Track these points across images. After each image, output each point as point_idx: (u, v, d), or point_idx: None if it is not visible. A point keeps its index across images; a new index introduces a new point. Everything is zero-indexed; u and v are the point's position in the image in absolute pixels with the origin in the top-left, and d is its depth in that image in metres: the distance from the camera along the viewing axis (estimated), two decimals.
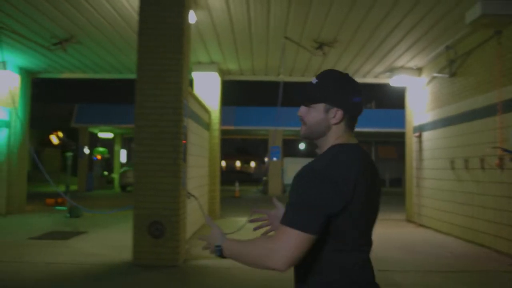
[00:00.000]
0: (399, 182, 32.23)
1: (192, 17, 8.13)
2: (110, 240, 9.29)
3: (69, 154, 13.01)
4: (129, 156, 31.90)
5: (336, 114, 1.83)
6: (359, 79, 13.67)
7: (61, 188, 19.56)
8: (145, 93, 7.06)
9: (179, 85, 7.10)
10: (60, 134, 14.17)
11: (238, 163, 58.11)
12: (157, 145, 7.02)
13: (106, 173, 24.89)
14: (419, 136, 12.12)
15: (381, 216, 9.89)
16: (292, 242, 1.65)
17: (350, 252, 1.78)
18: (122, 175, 22.93)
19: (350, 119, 1.86)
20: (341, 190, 1.69)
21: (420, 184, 12.12)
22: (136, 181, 7.04)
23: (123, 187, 23.32)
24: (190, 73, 12.56)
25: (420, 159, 12.13)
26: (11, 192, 12.63)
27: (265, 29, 9.42)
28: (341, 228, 1.73)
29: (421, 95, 12.22)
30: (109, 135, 24.55)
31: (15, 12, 8.72)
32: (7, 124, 12.64)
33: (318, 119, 1.84)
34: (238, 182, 22.53)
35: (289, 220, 1.68)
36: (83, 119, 21.72)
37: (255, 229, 2.29)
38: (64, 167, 28.46)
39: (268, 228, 2.23)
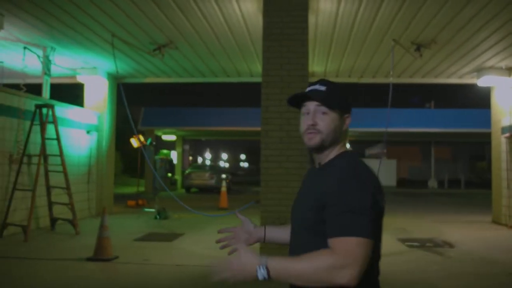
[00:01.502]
0: (457, 183, 31.76)
1: None
2: (212, 242, 9.39)
3: (157, 157, 13.29)
4: (183, 157, 32.31)
5: (347, 120, 1.87)
6: (442, 80, 13.54)
7: (132, 190, 19.90)
8: (271, 97, 7.16)
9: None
10: (142, 137, 14.48)
11: None
12: (284, 149, 7.11)
13: (170, 174, 25.32)
14: (510, 137, 11.90)
15: (463, 218, 9.82)
16: (360, 252, 1.57)
17: (377, 257, 1.77)
18: (187, 176, 23.26)
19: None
20: (382, 193, 1.72)
21: None
22: (263, 184, 7.15)
23: (187, 189, 23.65)
24: None
25: (511, 160, 11.91)
26: (101, 194, 12.98)
27: (367, 30, 9.40)
28: (377, 231, 1.70)
29: (511, 95, 12.00)
30: (172, 137, 24.97)
31: (124, 19, 8.92)
32: (97, 128, 13.01)
33: (334, 125, 1.83)
34: None
35: (349, 229, 1.59)
36: (149, 122, 22.17)
37: (221, 248, 2.23)
38: (125, 169, 29.07)
39: (233, 246, 2.14)
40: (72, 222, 9.94)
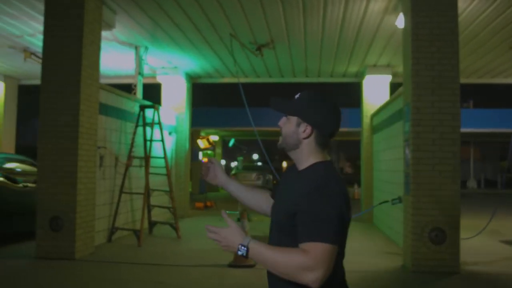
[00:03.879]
0: (489, 183, 31.59)
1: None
2: None
3: (240, 158, 13.14)
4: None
5: (306, 129, 1.95)
6: None
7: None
8: (422, 99, 7.02)
9: (455, 91, 7.02)
10: (210, 139, 14.30)
11: None
12: (436, 151, 6.96)
13: None
14: None
15: None
16: (328, 258, 1.72)
17: (341, 259, 1.93)
18: (233, 177, 22.92)
19: (322, 137, 1.96)
20: (348, 203, 1.85)
21: None
22: (414, 187, 6.99)
23: None
24: (363, 76, 12.53)
25: None
26: (179, 197, 12.77)
27: (479, 31, 9.28)
28: (342, 239, 1.86)
29: None
30: (215, 137, 24.78)
31: (240, 16, 8.68)
32: (175, 129, 12.80)
33: (290, 131, 1.98)
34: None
35: (320, 236, 1.73)
36: (196, 122, 21.85)
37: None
38: None
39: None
40: (174, 226, 9.75)
